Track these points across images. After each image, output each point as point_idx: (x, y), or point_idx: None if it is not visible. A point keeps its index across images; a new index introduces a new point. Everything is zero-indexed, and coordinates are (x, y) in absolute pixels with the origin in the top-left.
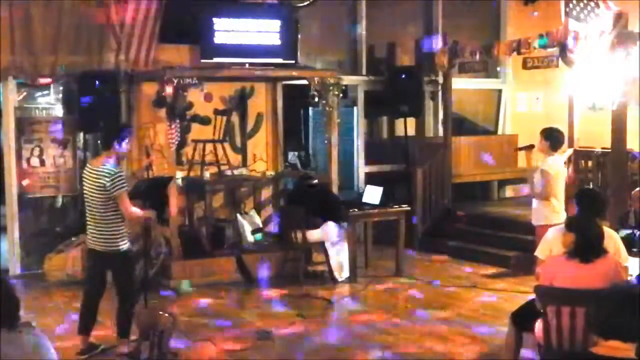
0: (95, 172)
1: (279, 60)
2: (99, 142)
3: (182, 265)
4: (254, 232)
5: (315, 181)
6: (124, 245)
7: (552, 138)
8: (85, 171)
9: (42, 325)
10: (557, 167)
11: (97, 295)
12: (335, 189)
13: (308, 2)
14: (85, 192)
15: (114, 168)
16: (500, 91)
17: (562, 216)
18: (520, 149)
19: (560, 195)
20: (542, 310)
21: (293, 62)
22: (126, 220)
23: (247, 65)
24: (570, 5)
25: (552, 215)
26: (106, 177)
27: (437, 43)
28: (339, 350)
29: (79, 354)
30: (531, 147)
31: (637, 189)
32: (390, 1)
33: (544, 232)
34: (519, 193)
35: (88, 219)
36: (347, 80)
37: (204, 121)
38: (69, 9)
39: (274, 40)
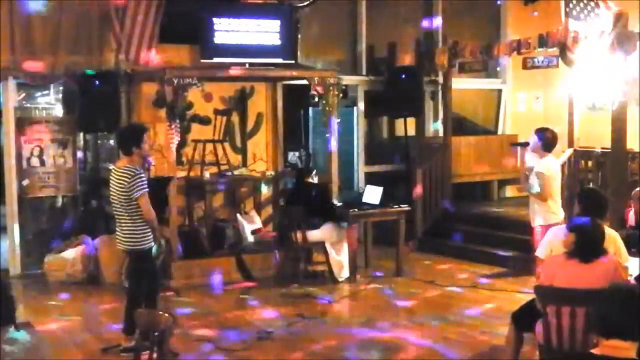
0: (117, 173)
1: (279, 60)
2: (115, 144)
3: (182, 265)
4: (253, 232)
5: (315, 180)
6: (147, 244)
7: (545, 138)
8: (110, 173)
9: (42, 325)
10: (551, 167)
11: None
12: (335, 189)
13: (308, 2)
14: (110, 193)
15: (134, 169)
16: (500, 91)
17: (559, 216)
18: (515, 144)
19: (557, 195)
20: (542, 310)
21: (293, 62)
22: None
23: (247, 65)
24: (570, 5)
25: (549, 216)
26: (127, 177)
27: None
28: (338, 350)
29: (122, 351)
30: (526, 144)
31: (637, 189)
32: (390, 1)
33: (542, 232)
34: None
35: (115, 219)
36: (347, 80)
37: (204, 121)
38: (69, 9)
39: (274, 40)
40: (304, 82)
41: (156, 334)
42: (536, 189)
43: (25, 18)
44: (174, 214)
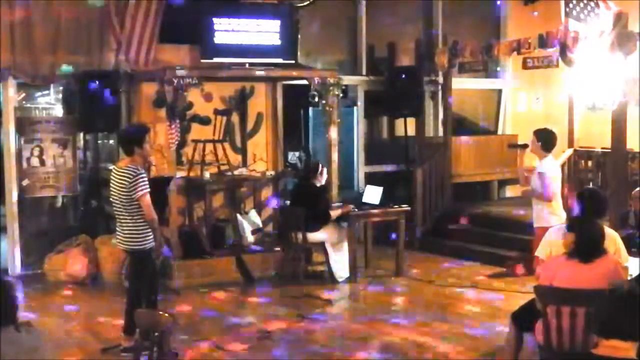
0: (118, 173)
1: (279, 60)
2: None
3: (182, 265)
4: (254, 232)
5: (323, 182)
6: (148, 244)
7: (544, 139)
8: (111, 173)
9: (42, 325)
10: (552, 168)
11: (141, 294)
12: (335, 189)
13: (308, 2)
14: (111, 193)
15: (136, 169)
16: (500, 91)
17: (561, 218)
18: (514, 146)
19: (558, 196)
20: (542, 310)
21: (293, 62)
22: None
23: (247, 65)
24: (570, 5)
25: (551, 217)
26: (128, 177)
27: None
28: (339, 350)
29: (123, 351)
30: (524, 146)
31: (637, 189)
32: (390, 1)
33: (544, 233)
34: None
35: (116, 219)
36: (347, 80)
37: (204, 121)
38: (69, 9)
39: (274, 40)
40: (304, 82)
41: (156, 334)
42: (539, 190)
43: (25, 18)
44: (174, 214)
